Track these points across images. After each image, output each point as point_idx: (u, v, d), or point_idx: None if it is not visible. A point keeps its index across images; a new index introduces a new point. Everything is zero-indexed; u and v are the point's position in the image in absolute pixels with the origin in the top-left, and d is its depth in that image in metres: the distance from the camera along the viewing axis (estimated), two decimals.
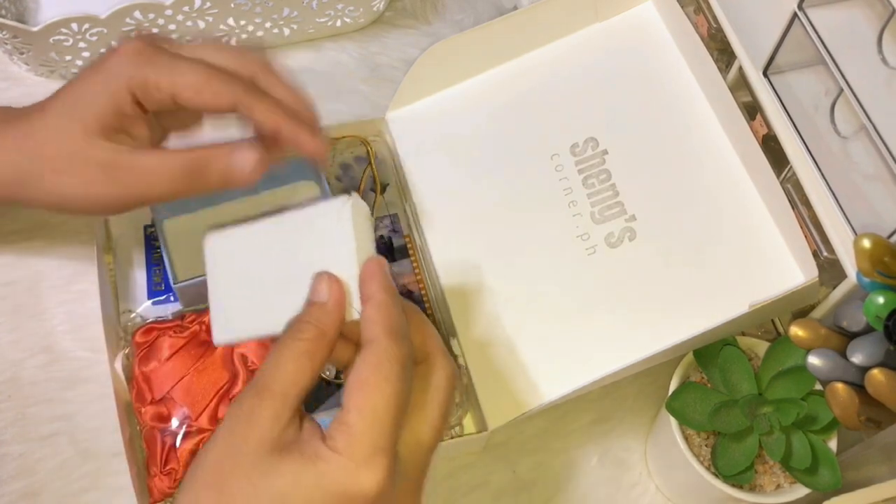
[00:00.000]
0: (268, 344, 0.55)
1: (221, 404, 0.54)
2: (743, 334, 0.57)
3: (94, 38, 0.65)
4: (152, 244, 0.62)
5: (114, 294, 0.60)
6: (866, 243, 0.43)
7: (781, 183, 0.54)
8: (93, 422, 0.58)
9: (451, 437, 0.57)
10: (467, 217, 0.61)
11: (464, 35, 0.62)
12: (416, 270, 0.62)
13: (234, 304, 0.46)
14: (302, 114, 0.49)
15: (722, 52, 0.60)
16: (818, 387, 0.53)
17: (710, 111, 0.59)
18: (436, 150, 0.63)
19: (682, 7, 0.60)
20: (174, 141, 0.53)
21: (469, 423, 0.58)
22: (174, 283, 0.57)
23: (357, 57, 0.74)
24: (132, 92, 0.47)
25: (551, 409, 0.56)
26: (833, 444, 0.53)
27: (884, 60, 0.46)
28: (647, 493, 0.60)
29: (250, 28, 0.70)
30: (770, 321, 0.61)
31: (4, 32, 0.64)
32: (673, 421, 0.53)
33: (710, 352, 0.54)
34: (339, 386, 0.57)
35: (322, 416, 0.45)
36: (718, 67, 0.58)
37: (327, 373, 0.56)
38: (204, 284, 0.56)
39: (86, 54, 0.67)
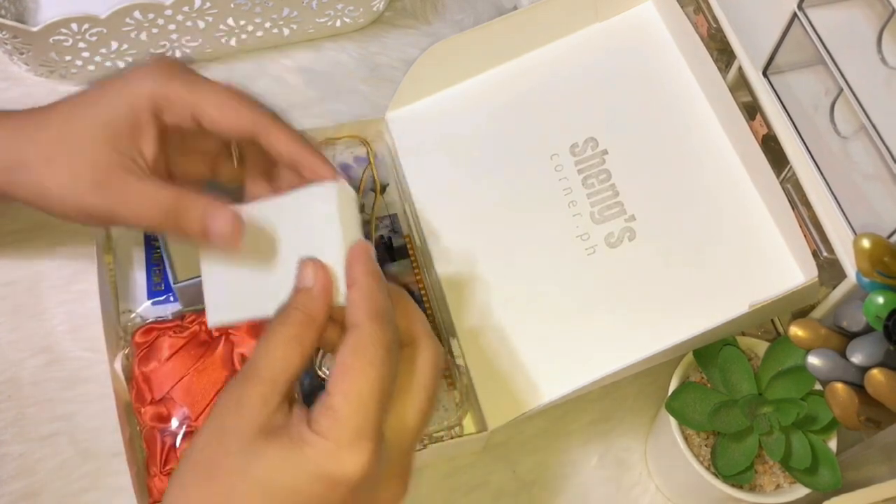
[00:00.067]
0: None
1: None
2: (743, 334, 0.57)
3: (94, 38, 0.65)
4: (152, 244, 0.62)
5: (114, 294, 0.61)
6: (866, 243, 0.43)
7: (781, 183, 0.54)
8: (93, 422, 0.58)
9: (451, 437, 0.57)
10: (467, 217, 0.61)
11: (464, 35, 0.62)
12: (416, 270, 0.62)
13: (226, 285, 0.46)
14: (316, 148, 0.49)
15: (722, 52, 0.60)
16: (818, 387, 0.53)
17: (710, 111, 0.59)
18: (436, 150, 0.63)
19: (682, 7, 0.60)
20: None
21: (469, 423, 0.58)
22: (174, 283, 0.57)
23: (357, 57, 0.74)
24: (154, 102, 0.47)
25: (551, 409, 0.56)
26: (833, 444, 0.53)
27: (883, 60, 0.46)
28: (647, 493, 0.60)
29: (250, 28, 0.70)
30: (770, 321, 0.61)
31: (4, 32, 0.64)
32: (673, 421, 0.53)
33: (710, 352, 0.54)
34: None
35: None
36: (718, 67, 0.58)
37: (325, 372, 0.56)
38: None
39: (86, 54, 0.67)
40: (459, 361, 0.57)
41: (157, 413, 0.54)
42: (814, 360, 0.46)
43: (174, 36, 0.68)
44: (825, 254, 0.52)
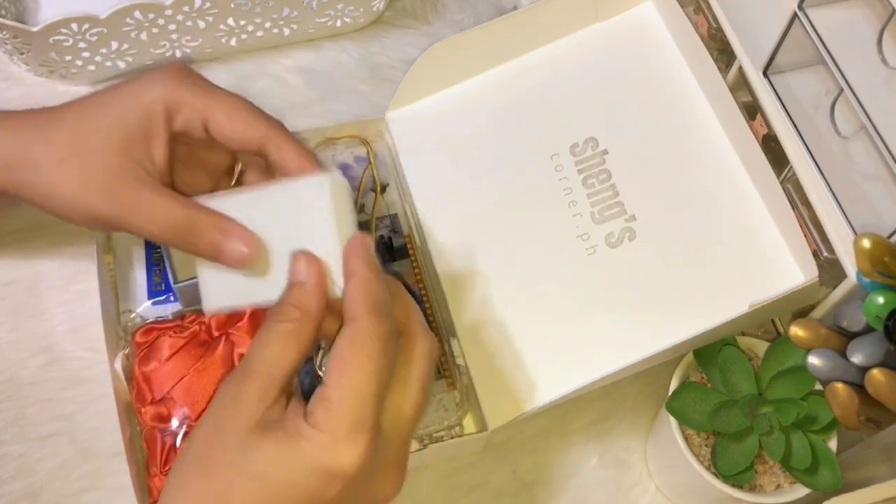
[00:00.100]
0: None
1: None
2: (743, 334, 0.57)
3: (94, 38, 0.65)
4: (152, 244, 0.62)
5: (114, 294, 0.60)
6: (866, 243, 0.43)
7: (781, 183, 0.54)
8: (93, 422, 0.58)
9: (451, 437, 0.57)
10: (467, 217, 0.61)
11: (464, 35, 0.62)
12: (416, 270, 0.62)
13: (221, 273, 0.46)
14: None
15: (722, 52, 0.60)
16: (818, 387, 0.53)
17: (710, 111, 0.59)
18: (436, 150, 0.63)
19: (682, 7, 0.60)
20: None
21: (469, 423, 0.58)
22: (174, 283, 0.57)
23: (357, 57, 0.74)
24: (167, 106, 0.46)
25: (551, 409, 0.56)
26: (833, 444, 0.53)
27: (884, 60, 0.46)
28: (647, 493, 0.60)
29: (250, 28, 0.70)
30: (770, 321, 0.61)
31: (4, 32, 0.64)
32: (673, 421, 0.53)
33: (710, 352, 0.54)
34: None
35: None
36: (718, 67, 0.58)
37: (322, 370, 0.56)
38: None
39: (86, 54, 0.67)
40: (459, 361, 0.57)
41: (158, 413, 0.54)
42: (814, 360, 0.46)
43: (174, 36, 0.68)
44: (825, 254, 0.52)
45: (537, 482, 0.60)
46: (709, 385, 0.55)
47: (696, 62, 0.60)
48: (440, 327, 0.60)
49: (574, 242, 0.58)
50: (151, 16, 0.65)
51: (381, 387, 0.38)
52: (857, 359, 0.44)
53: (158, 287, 0.61)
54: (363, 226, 0.63)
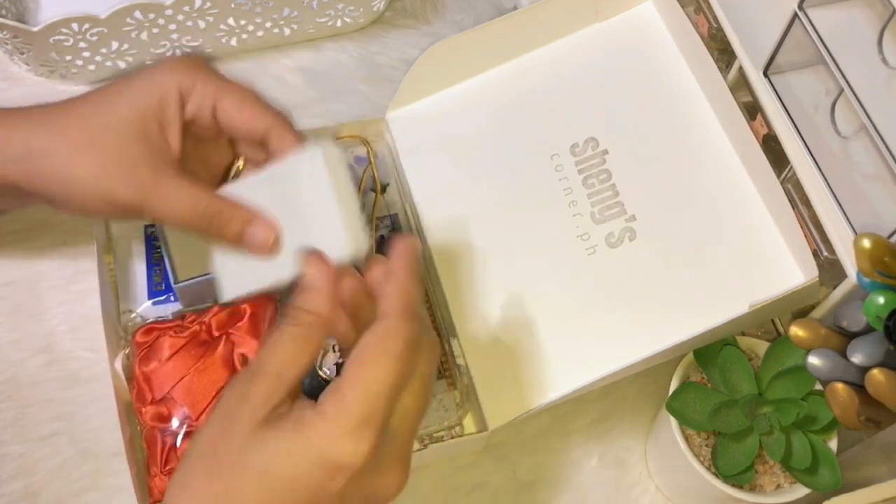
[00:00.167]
0: None
1: None
2: (743, 334, 0.57)
3: (95, 38, 0.65)
4: (152, 244, 0.62)
5: (114, 294, 0.60)
6: (866, 243, 0.43)
7: (781, 183, 0.54)
8: (93, 422, 0.58)
9: (451, 437, 0.57)
10: (467, 217, 0.61)
11: (464, 35, 0.62)
12: None
13: (234, 260, 0.47)
14: None
15: (722, 52, 0.60)
16: (818, 387, 0.53)
17: (710, 111, 0.59)
18: (436, 150, 0.63)
19: (682, 7, 0.60)
20: None
21: (469, 423, 0.58)
22: (174, 283, 0.57)
23: (357, 57, 0.74)
24: (180, 93, 0.47)
25: (551, 409, 0.56)
26: (833, 444, 0.53)
27: (884, 60, 0.46)
28: (647, 493, 0.60)
29: (250, 28, 0.70)
30: (770, 321, 0.61)
31: (4, 32, 0.64)
32: (673, 421, 0.53)
33: (710, 352, 0.54)
34: None
35: None
36: (718, 67, 0.58)
37: (326, 372, 0.56)
38: (204, 284, 0.56)
39: (86, 54, 0.67)
40: (459, 361, 0.57)
41: (158, 413, 0.54)
42: (814, 360, 0.46)
43: (175, 36, 0.68)
44: (825, 254, 0.52)
45: (537, 482, 0.60)
46: (709, 385, 0.55)
47: (697, 62, 0.60)
48: (440, 327, 0.60)
49: (574, 242, 0.58)
50: (151, 16, 0.65)
51: (396, 388, 0.38)
52: (857, 359, 0.44)
53: (158, 287, 0.61)
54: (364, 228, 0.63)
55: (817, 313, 0.54)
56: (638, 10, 0.64)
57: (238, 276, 0.48)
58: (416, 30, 0.77)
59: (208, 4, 0.66)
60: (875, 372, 0.43)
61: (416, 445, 0.55)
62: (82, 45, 0.66)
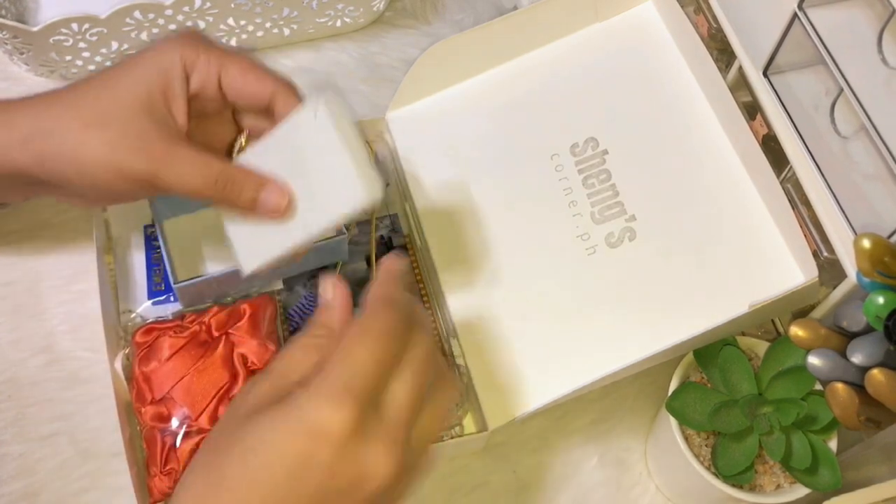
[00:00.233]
0: (267, 344, 0.55)
1: (221, 404, 0.54)
2: (743, 334, 0.57)
3: (94, 38, 0.65)
4: (152, 244, 0.62)
5: (114, 294, 0.60)
6: (866, 243, 0.43)
7: (781, 183, 0.54)
8: (93, 422, 0.58)
9: (451, 437, 0.57)
10: (467, 217, 0.61)
11: (464, 35, 0.62)
12: (416, 270, 0.62)
13: (251, 231, 0.48)
14: None
15: (722, 52, 0.60)
16: (818, 387, 0.53)
17: (710, 111, 0.59)
18: (436, 150, 0.63)
19: (682, 7, 0.60)
20: None
21: (469, 423, 0.58)
22: (174, 283, 0.57)
23: (357, 57, 0.74)
24: (184, 65, 0.48)
25: (551, 409, 0.56)
26: (833, 444, 0.53)
27: (884, 60, 0.46)
28: (647, 493, 0.60)
29: (250, 28, 0.70)
30: (770, 321, 0.61)
31: (4, 32, 0.64)
32: (673, 421, 0.53)
33: (710, 352, 0.54)
34: None
35: None
36: (718, 67, 0.58)
37: None
38: (204, 284, 0.56)
39: (86, 54, 0.67)
40: (459, 361, 0.57)
41: (158, 413, 0.54)
42: (814, 360, 0.46)
43: None
44: (825, 254, 0.52)
45: (537, 482, 0.60)
46: (709, 385, 0.55)
47: (696, 62, 0.60)
48: (440, 327, 0.60)
49: (574, 242, 0.58)
50: (151, 16, 0.65)
51: (378, 365, 0.39)
52: (857, 359, 0.44)
53: (158, 287, 0.61)
54: (363, 225, 0.63)
55: (817, 313, 0.54)
56: (638, 10, 0.64)
57: (254, 246, 0.48)
58: (416, 30, 0.77)
59: (208, 5, 0.66)
60: (875, 372, 0.43)
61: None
62: (82, 45, 0.66)
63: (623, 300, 0.56)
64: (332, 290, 0.43)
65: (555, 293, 0.57)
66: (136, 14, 0.64)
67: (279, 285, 0.60)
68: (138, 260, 0.62)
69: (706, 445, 0.54)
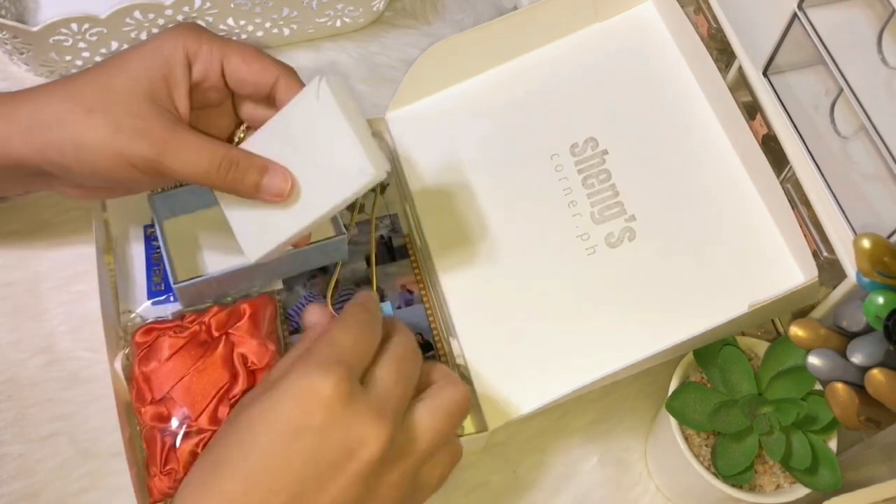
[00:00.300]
0: (267, 344, 0.55)
1: (221, 405, 0.54)
2: (743, 334, 0.57)
3: (94, 39, 0.65)
4: (152, 244, 0.62)
5: (114, 294, 0.60)
6: (866, 243, 0.43)
7: (781, 183, 0.54)
8: (93, 422, 0.58)
9: None
10: (467, 217, 0.61)
11: (464, 35, 0.62)
12: (416, 270, 0.62)
13: (253, 218, 0.48)
14: None
15: (722, 52, 0.60)
16: (818, 387, 0.53)
17: (710, 111, 0.59)
18: (436, 150, 0.63)
19: (682, 7, 0.60)
20: None
21: (469, 423, 0.58)
22: (174, 283, 0.57)
23: (356, 57, 0.74)
24: (186, 53, 0.48)
25: (551, 409, 0.56)
26: (833, 444, 0.53)
27: (884, 60, 0.46)
28: (647, 493, 0.60)
29: (250, 28, 0.70)
30: (770, 321, 0.61)
31: (4, 32, 0.64)
32: (673, 421, 0.53)
33: (710, 352, 0.54)
34: None
35: None
36: (718, 67, 0.58)
37: None
38: (204, 284, 0.56)
39: (86, 54, 0.67)
40: (459, 361, 0.57)
41: (158, 413, 0.54)
42: (814, 360, 0.46)
43: None
44: (825, 254, 0.52)
45: (537, 482, 0.60)
46: (709, 385, 0.55)
47: (696, 62, 0.60)
48: (440, 327, 0.60)
49: (574, 242, 0.58)
50: (151, 16, 0.65)
51: (358, 343, 0.42)
52: (857, 359, 0.44)
53: (158, 287, 0.61)
54: (363, 225, 0.63)
55: (817, 313, 0.54)
56: (638, 10, 0.64)
57: (258, 234, 0.48)
58: (415, 30, 0.77)
59: (208, 5, 0.66)
60: (875, 372, 0.43)
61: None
62: (82, 45, 0.66)
63: (623, 300, 0.56)
64: (315, 315, 0.47)
65: (555, 293, 0.57)
66: (136, 14, 0.64)
67: (279, 285, 0.60)
68: (138, 260, 0.62)
69: (706, 445, 0.54)
